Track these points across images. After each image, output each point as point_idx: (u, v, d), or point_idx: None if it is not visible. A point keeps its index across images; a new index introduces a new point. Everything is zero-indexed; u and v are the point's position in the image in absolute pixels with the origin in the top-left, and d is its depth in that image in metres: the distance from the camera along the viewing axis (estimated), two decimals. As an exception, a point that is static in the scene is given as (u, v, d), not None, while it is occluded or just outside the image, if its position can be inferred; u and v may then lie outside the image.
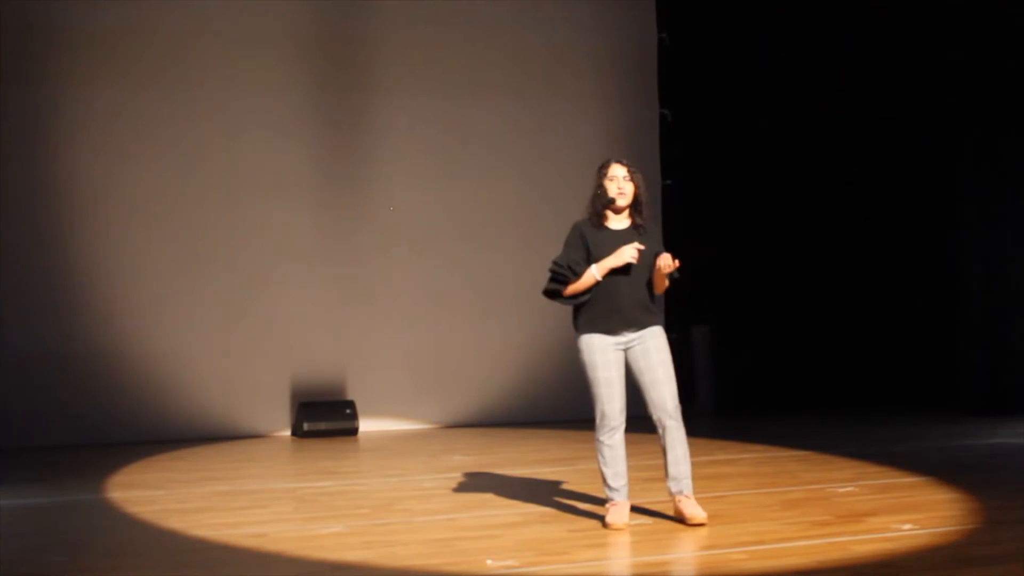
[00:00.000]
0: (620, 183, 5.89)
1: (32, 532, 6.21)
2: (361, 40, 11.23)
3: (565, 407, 11.28)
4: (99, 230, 10.48)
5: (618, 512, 5.86)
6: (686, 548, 5.45)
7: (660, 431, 5.88)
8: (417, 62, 11.36)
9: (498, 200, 11.55)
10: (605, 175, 5.93)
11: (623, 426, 5.87)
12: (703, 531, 5.73)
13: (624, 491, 5.90)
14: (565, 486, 7.22)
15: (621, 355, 5.86)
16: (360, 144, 11.18)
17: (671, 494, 5.89)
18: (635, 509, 6.03)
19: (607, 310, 5.82)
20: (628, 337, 5.85)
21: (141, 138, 10.61)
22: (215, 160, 10.82)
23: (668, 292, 6.05)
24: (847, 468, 7.73)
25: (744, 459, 7.46)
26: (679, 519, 5.86)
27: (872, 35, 12.20)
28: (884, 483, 7.06)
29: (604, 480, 5.91)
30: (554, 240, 11.34)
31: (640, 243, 5.79)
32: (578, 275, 5.84)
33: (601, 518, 5.95)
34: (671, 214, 11.19)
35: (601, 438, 5.87)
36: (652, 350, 5.85)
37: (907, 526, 5.71)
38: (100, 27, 10.48)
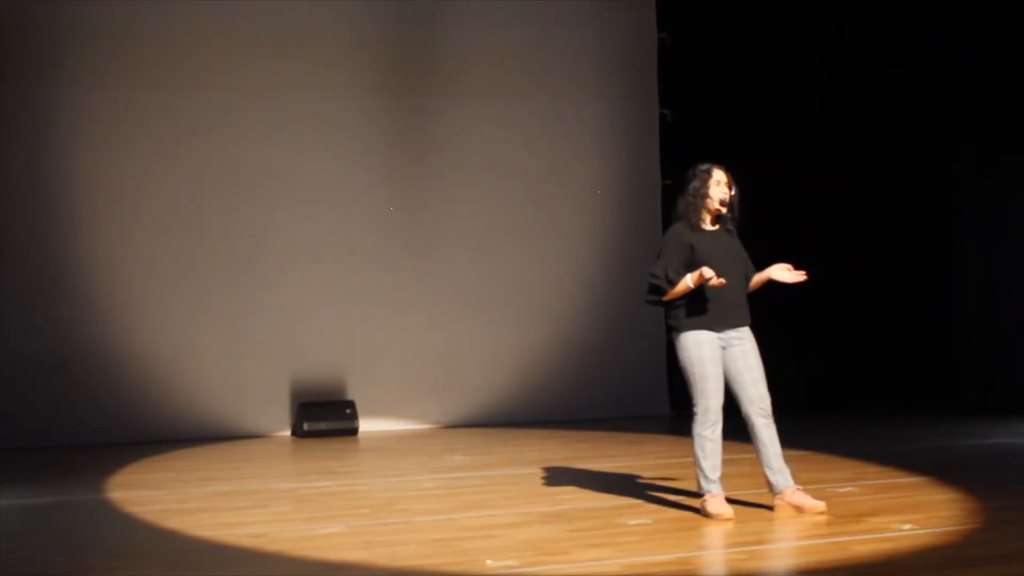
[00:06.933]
0: (724, 188, 6.13)
1: (32, 532, 6.20)
2: (360, 41, 11.21)
3: (565, 407, 11.30)
4: (100, 230, 10.47)
5: (719, 503, 5.97)
6: (686, 548, 5.45)
7: (753, 429, 6.06)
8: (413, 62, 11.35)
9: (497, 200, 11.54)
10: (711, 180, 6.13)
11: (722, 420, 6.03)
12: (703, 531, 5.74)
13: (720, 483, 6.03)
14: (565, 486, 7.21)
15: (720, 352, 6.01)
16: (360, 145, 11.17)
17: (777, 489, 6.05)
18: (730, 500, 6.10)
19: (711, 308, 6.00)
20: (728, 335, 6.04)
21: (144, 138, 10.59)
22: (217, 161, 10.80)
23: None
24: (847, 468, 7.73)
25: (744, 459, 7.43)
26: (797, 510, 6.02)
27: (873, 36, 12.19)
28: (884, 483, 7.07)
29: (703, 472, 6.00)
30: (554, 240, 11.54)
31: (731, 244, 6.19)
32: (674, 283, 5.97)
33: (602, 518, 5.96)
34: (671, 214, 11.15)
35: (704, 432, 5.98)
36: (750, 352, 6.08)
37: (907, 526, 5.71)
38: (104, 26, 10.46)
